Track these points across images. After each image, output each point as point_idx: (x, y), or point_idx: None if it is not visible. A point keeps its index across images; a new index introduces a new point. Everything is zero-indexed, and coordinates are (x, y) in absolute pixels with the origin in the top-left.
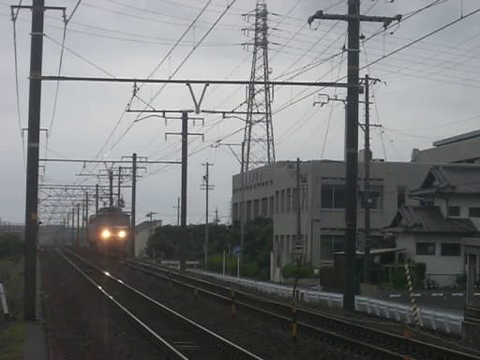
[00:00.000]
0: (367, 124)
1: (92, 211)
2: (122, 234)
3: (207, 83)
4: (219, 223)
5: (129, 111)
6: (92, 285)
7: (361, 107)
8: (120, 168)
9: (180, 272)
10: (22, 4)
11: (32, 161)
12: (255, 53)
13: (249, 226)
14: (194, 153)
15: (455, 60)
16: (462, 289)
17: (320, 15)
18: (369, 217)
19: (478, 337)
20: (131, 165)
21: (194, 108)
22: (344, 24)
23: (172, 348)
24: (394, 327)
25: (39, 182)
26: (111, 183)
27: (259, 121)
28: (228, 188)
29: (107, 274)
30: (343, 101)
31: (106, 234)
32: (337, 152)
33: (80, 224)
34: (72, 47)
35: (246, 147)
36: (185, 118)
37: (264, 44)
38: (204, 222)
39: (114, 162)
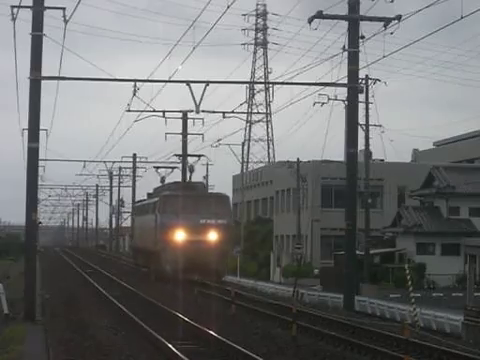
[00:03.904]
0: (367, 124)
1: (92, 211)
2: (216, 236)
3: (207, 83)
4: None
5: (129, 111)
6: (92, 284)
7: (361, 107)
8: (120, 168)
9: None
10: (22, 4)
11: (32, 161)
12: (255, 53)
13: (249, 226)
14: (194, 153)
15: (455, 60)
16: (462, 289)
17: (320, 15)
18: (369, 217)
19: (478, 337)
20: (131, 165)
21: (194, 108)
22: (344, 24)
23: (172, 348)
24: (394, 327)
25: (39, 182)
26: (111, 183)
27: (259, 121)
28: (228, 188)
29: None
30: (343, 101)
31: (181, 236)
32: (337, 152)
33: (80, 224)
34: (72, 47)
35: (246, 147)
36: (185, 118)
37: (264, 44)
38: None
39: (114, 162)
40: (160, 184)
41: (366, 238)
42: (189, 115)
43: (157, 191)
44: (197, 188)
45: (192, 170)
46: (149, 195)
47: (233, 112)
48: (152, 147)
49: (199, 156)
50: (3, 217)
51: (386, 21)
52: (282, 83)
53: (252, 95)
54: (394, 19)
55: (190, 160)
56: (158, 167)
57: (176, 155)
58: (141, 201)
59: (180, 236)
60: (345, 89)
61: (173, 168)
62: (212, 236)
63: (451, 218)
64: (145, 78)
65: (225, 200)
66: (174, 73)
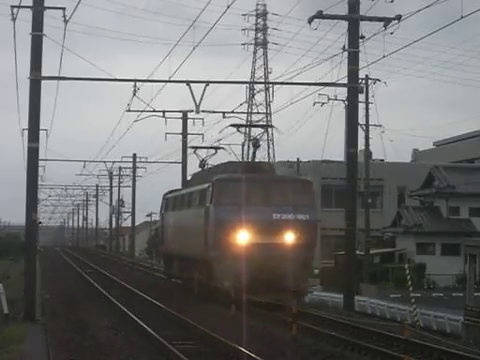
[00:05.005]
0: (367, 124)
1: (92, 211)
2: (295, 237)
3: (207, 83)
4: None
5: (129, 111)
6: (92, 284)
7: (361, 107)
8: (120, 168)
9: None
10: (22, 4)
11: (32, 161)
12: (255, 53)
13: None
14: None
15: (455, 60)
16: (462, 289)
17: (320, 15)
18: (369, 217)
19: (478, 337)
20: (131, 165)
21: (194, 108)
22: (344, 24)
23: (171, 348)
24: (394, 327)
25: (39, 182)
26: (111, 183)
27: (259, 121)
28: None
29: None
30: (343, 101)
31: (245, 237)
32: (337, 152)
33: (80, 224)
34: (72, 47)
35: (246, 147)
36: (185, 118)
37: (264, 44)
38: None
39: (114, 162)
40: (199, 169)
41: (366, 238)
42: (189, 115)
43: (201, 176)
44: (264, 169)
45: (257, 145)
46: (185, 183)
47: (233, 112)
48: (152, 147)
49: (266, 126)
50: (3, 217)
51: (386, 21)
52: (282, 83)
53: (252, 95)
54: (394, 19)
55: (253, 131)
56: (197, 147)
57: (234, 125)
58: (176, 191)
59: (244, 238)
60: (345, 89)
61: (218, 149)
62: (290, 238)
63: (451, 218)
64: (145, 78)
65: (308, 187)
66: (174, 73)
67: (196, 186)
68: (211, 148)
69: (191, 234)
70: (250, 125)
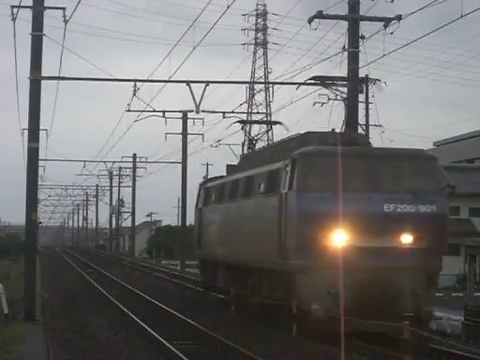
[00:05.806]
0: (367, 124)
1: (92, 211)
2: (417, 238)
3: (207, 83)
4: None
5: (129, 111)
6: (92, 284)
7: (361, 107)
8: (120, 168)
9: (180, 272)
10: (22, 4)
11: (32, 161)
12: (255, 53)
13: None
14: (194, 153)
15: (455, 60)
16: (462, 289)
17: (320, 15)
18: None
19: (478, 337)
20: (131, 165)
21: (194, 108)
22: (344, 24)
23: (172, 348)
24: (394, 327)
25: (39, 182)
26: (111, 183)
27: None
28: None
29: None
30: (343, 101)
31: (344, 239)
32: None
33: (80, 224)
34: (72, 47)
35: (246, 147)
36: (185, 118)
37: (264, 44)
38: None
39: (114, 162)
40: (247, 151)
41: None
42: (189, 115)
43: (257, 157)
44: (360, 142)
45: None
46: (229, 169)
47: (233, 112)
48: (152, 147)
49: (270, 123)
50: (3, 217)
51: (386, 21)
52: (282, 83)
53: (252, 95)
54: (394, 19)
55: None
56: (246, 122)
57: (313, 82)
58: (220, 178)
59: (342, 239)
60: (345, 89)
61: (273, 124)
62: (408, 239)
63: (451, 218)
64: (145, 78)
65: (433, 166)
66: (174, 73)
67: (258, 168)
68: (264, 123)
69: (252, 234)
70: (255, 121)
